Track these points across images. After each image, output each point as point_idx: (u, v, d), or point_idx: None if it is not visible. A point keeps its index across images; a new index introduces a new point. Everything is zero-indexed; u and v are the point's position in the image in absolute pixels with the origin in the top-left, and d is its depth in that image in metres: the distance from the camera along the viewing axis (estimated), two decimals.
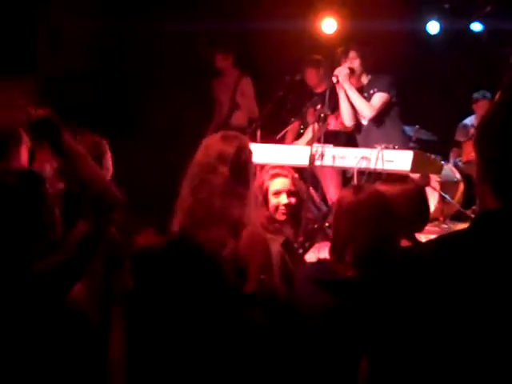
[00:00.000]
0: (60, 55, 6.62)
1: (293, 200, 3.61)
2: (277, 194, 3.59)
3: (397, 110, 5.72)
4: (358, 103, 5.65)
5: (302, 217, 3.92)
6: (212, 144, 2.87)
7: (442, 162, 6.16)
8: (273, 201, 3.58)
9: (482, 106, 7.47)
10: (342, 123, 6.16)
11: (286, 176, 3.64)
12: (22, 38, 6.15)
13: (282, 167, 3.80)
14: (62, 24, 6.59)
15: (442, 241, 1.54)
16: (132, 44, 7.14)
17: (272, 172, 3.67)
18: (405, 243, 3.12)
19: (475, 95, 7.58)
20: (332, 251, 2.81)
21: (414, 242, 3.17)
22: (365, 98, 5.68)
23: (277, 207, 3.58)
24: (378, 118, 5.66)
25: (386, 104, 5.63)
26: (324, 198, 6.23)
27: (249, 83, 7.17)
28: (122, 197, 2.52)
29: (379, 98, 5.62)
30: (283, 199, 3.57)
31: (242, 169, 2.84)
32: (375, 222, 2.71)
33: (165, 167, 5.81)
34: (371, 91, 5.68)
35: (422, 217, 3.25)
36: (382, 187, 3.19)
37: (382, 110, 5.63)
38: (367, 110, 5.64)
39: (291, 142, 6.71)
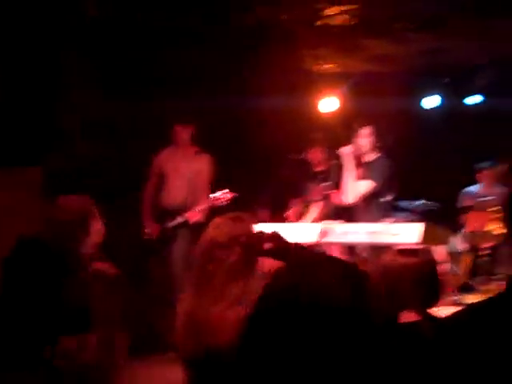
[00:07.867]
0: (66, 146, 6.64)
1: None
2: None
3: (394, 188, 5.78)
4: (351, 185, 5.72)
5: None
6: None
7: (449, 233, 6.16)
8: None
9: (486, 175, 7.70)
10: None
11: None
12: (27, 130, 6.15)
13: None
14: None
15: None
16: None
17: None
18: (413, 318, 3.08)
19: (481, 165, 7.71)
20: None
21: (424, 315, 3.13)
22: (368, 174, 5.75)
23: None
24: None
25: (373, 190, 5.69)
26: None
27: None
28: None
29: (366, 185, 5.70)
30: None
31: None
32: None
33: None
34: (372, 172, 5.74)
35: (436, 290, 3.23)
36: (394, 261, 3.20)
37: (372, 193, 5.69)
38: (356, 193, 5.70)
39: (295, 221, 6.70)
